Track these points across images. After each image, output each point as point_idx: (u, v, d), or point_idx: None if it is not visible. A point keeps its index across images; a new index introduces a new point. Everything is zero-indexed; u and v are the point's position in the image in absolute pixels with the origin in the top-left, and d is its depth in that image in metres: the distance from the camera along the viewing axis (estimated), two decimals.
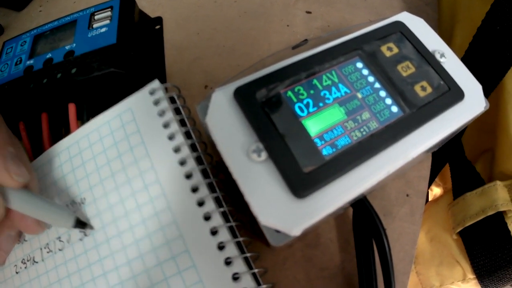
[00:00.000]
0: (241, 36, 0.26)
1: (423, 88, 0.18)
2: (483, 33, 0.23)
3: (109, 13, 0.26)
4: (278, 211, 0.14)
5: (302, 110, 0.16)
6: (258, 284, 0.16)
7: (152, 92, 0.21)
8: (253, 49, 0.25)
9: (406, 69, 0.18)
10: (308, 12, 0.27)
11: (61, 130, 0.26)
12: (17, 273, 0.22)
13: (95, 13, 0.27)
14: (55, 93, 0.24)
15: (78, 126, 0.24)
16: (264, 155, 0.14)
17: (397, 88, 0.17)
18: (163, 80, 0.24)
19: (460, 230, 0.22)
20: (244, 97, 0.15)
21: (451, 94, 0.18)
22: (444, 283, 0.23)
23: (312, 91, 0.16)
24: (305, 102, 0.16)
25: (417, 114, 0.17)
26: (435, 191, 0.30)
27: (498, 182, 0.22)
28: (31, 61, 0.27)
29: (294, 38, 0.25)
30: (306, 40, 0.24)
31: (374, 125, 0.16)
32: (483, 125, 0.24)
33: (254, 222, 0.17)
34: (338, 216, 0.21)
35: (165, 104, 0.20)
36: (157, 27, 0.28)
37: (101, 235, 0.19)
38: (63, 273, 0.20)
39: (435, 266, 0.24)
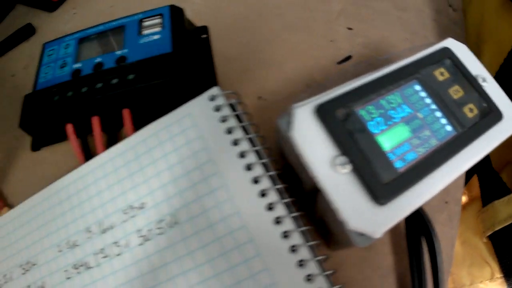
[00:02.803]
0: (288, 50, 0.29)
1: (471, 110, 0.21)
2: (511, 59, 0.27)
3: (159, 21, 0.29)
4: (363, 217, 0.17)
5: (375, 128, 0.19)
6: (331, 285, 0.18)
7: (212, 99, 0.23)
8: (301, 62, 0.28)
9: (456, 92, 0.21)
10: (350, 29, 0.30)
11: (112, 134, 0.28)
12: (68, 278, 0.24)
13: (144, 20, 0.29)
14: (108, 98, 0.26)
15: (134, 132, 0.26)
16: (348, 167, 0.17)
17: (450, 110, 0.21)
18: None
19: (489, 234, 0.26)
20: (325, 114, 0.18)
21: (493, 116, 0.21)
22: (474, 282, 0.27)
23: (381, 110, 0.19)
24: (376, 120, 0.19)
25: (467, 133, 0.20)
26: (462, 199, 0.34)
27: None
28: (79, 65, 0.29)
29: (338, 54, 0.29)
30: (350, 56, 0.27)
31: (434, 142, 0.19)
32: (507, 139, 0.28)
33: (317, 224, 0.20)
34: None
35: (226, 110, 0.22)
36: (204, 36, 0.31)
37: (164, 241, 0.21)
38: (121, 279, 0.22)
39: (466, 267, 0.27)
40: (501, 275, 0.26)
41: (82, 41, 0.30)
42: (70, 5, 0.38)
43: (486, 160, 0.29)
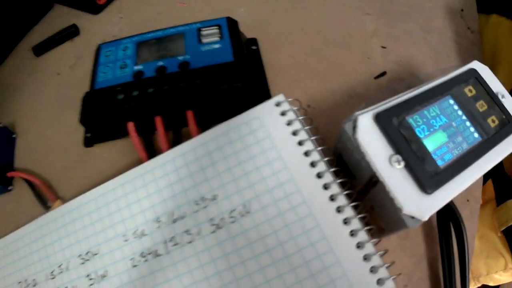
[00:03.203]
0: (331, 63, 0.35)
1: (493, 121, 0.28)
2: None
3: (217, 31, 0.34)
4: (414, 203, 0.23)
5: (421, 133, 0.25)
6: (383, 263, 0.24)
7: (277, 104, 0.29)
8: (342, 76, 0.34)
9: (481, 106, 0.28)
10: (383, 47, 0.37)
11: (175, 133, 0.33)
12: (134, 266, 0.27)
13: (202, 29, 0.35)
14: (175, 100, 0.31)
15: (198, 131, 0.31)
16: (402, 164, 0.24)
17: (477, 120, 0.27)
18: (268, 97, 0.32)
19: (503, 229, 0.33)
20: (383, 121, 0.24)
21: (510, 126, 0.28)
22: (490, 272, 0.34)
23: (425, 119, 0.26)
24: (421, 127, 0.25)
25: (490, 140, 0.27)
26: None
27: None
28: (140, 67, 0.33)
29: (375, 69, 0.35)
30: (385, 72, 0.34)
31: (465, 146, 0.26)
32: None
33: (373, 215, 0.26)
34: None
35: (292, 115, 0.28)
36: (254, 47, 0.37)
37: (236, 228, 0.25)
38: (193, 264, 0.25)
39: (483, 258, 0.34)
40: None
41: (141, 44, 0.35)
42: (116, 9, 0.43)
43: (500, 165, 0.36)
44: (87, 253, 0.29)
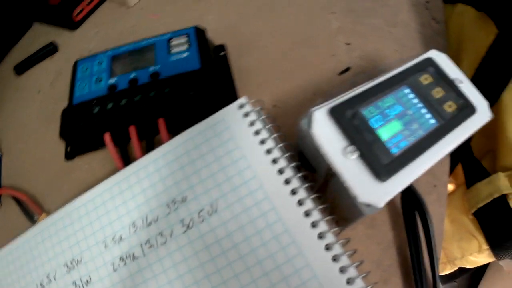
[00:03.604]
0: (297, 63, 0.36)
1: (450, 106, 0.29)
2: (485, 63, 0.35)
3: (185, 40, 0.36)
4: (369, 191, 0.24)
5: (375, 123, 0.26)
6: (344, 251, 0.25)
7: (241, 106, 0.30)
8: (308, 74, 0.36)
9: (438, 93, 0.29)
10: (348, 44, 0.38)
11: (148, 141, 0.35)
12: (115, 270, 0.29)
13: (172, 39, 0.36)
14: (147, 109, 0.32)
15: (169, 137, 0.32)
16: (356, 154, 0.25)
17: (433, 107, 0.28)
18: (235, 98, 0.33)
19: (474, 211, 0.33)
20: (337, 115, 0.26)
21: (468, 109, 0.29)
22: (464, 255, 0.35)
23: (379, 110, 0.27)
24: (376, 117, 0.26)
25: (447, 124, 0.28)
26: (449, 187, 0.42)
27: (500, 173, 0.33)
28: (114, 80, 0.35)
29: (339, 66, 0.36)
30: (349, 67, 0.35)
31: (420, 132, 0.27)
32: (486, 131, 0.36)
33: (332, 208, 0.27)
34: (388, 202, 0.31)
35: (254, 115, 0.29)
36: (222, 53, 0.38)
37: (205, 227, 0.27)
38: (167, 264, 0.27)
39: (456, 241, 0.35)
40: (487, 247, 0.34)
41: (115, 58, 0.36)
42: (92, 24, 0.45)
43: (468, 150, 0.37)
44: (71, 261, 0.31)
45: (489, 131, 0.35)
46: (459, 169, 0.38)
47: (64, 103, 0.36)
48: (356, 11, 0.40)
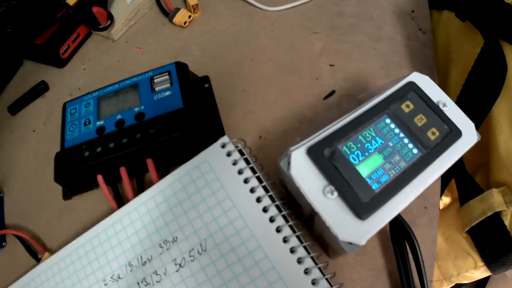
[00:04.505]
0: (280, 90, 0.37)
1: (433, 133, 0.29)
2: (474, 76, 0.34)
3: (167, 77, 0.36)
4: (350, 230, 0.24)
5: (354, 160, 0.26)
6: (330, 285, 0.26)
7: (223, 146, 0.31)
8: (292, 101, 0.36)
9: (420, 120, 0.29)
10: (331, 65, 0.38)
11: (138, 180, 0.36)
12: None
13: (154, 77, 0.37)
14: (134, 151, 0.33)
15: (158, 177, 0.33)
16: (335, 194, 0.25)
17: (415, 136, 0.28)
18: (222, 134, 0.34)
19: (468, 229, 0.33)
20: (315, 154, 0.26)
21: (453, 134, 0.29)
22: (460, 272, 0.35)
23: (359, 145, 0.27)
24: (355, 153, 0.27)
25: (431, 153, 0.28)
26: (445, 200, 0.42)
27: (494, 189, 0.33)
28: (101, 122, 0.36)
29: (323, 90, 0.36)
30: (333, 91, 0.35)
31: (403, 164, 0.27)
32: (478, 146, 0.35)
33: (318, 240, 0.28)
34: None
35: (237, 154, 0.30)
36: (206, 85, 0.38)
37: (195, 265, 0.28)
38: None
39: (452, 259, 0.35)
40: (483, 264, 0.34)
41: (101, 99, 0.37)
42: (79, 61, 0.46)
43: (461, 166, 0.37)
44: None
45: (482, 145, 0.35)
46: (454, 183, 0.38)
47: (57, 143, 0.37)
48: (339, 28, 0.40)
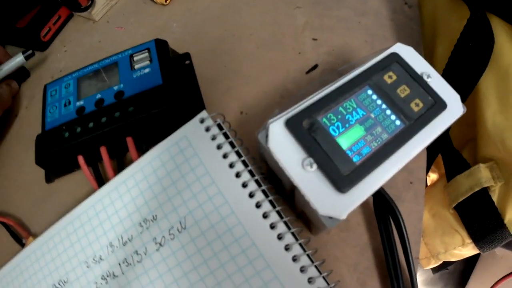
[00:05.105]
0: (263, 66, 0.35)
1: (417, 104, 0.27)
2: (459, 48, 0.33)
3: (147, 55, 0.35)
4: (330, 203, 0.23)
5: (335, 131, 0.25)
6: (312, 261, 0.25)
7: (202, 121, 0.30)
8: (274, 76, 0.34)
9: (403, 91, 0.28)
10: (314, 39, 0.36)
11: (118, 160, 0.35)
12: None
13: (134, 55, 0.35)
14: (113, 130, 0.32)
15: (138, 156, 0.32)
16: (314, 166, 0.24)
17: (398, 107, 0.27)
18: (202, 110, 0.33)
19: (455, 205, 0.32)
20: (293, 126, 0.25)
21: (437, 106, 0.27)
22: (448, 249, 0.34)
23: (339, 116, 0.26)
24: (336, 125, 0.25)
25: (414, 125, 0.26)
26: (432, 176, 0.41)
27: (481, 165, 0.32)
28: (81, 102, 0.35)
29: (307, 64, 0.35)
30: (316, 65, 0.33)
31: (385, 136, 0.26)
32: (465, 120, 0.34)
33: (300, 216, 0.27)
34: (361, 204, 0.30)
35: (215, 129, 0.29)
36: (187, 62, 0.37)
37: (175, 244, 0.27)
38: (144, 281, 0.28)
39: (439, 236, 0.34)
40: (471, 241, 0.33)
41: (80, 80, 0.36)
42: (60, 43, 0.44)
43: (447, 140, 0.35)
44: (59, 282, 0.32)
45: (469, 120, 0.34)
46: (441, 157, 0.36)
47: (38, 127, 0.36)
48: (323, 3, 0.39)
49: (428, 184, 0.40)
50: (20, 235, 0.38)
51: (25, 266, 0.34)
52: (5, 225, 0.38)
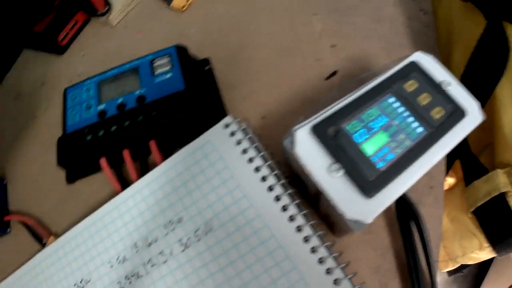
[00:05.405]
0: (281, 71, 0.36)
1: (437, 112, 0.28)
2: (476, 56, 0.34)
3: (167, 60, 0.36)
4: (356, 208, 0.24)
5: (359, 138, 0.26)
6: (337, 264, 0.26)
7: (226, 126, 0.30)
8: (294, 82, 0.35)
9: (424, 99, 0.28)
10: (332, 46, 0.37)
11: (141, 162, 0.35)
12: None
13: (154, 61, 0.36)
14: (136, 134, 0.33)
15: (162, 159, 0.33)
16: (341, 172, 0.25)
17: (420, 114, 0.28)
18: (224, 115, 0.34)
19: (473, 210, 0.33)
20: (319, 133, 0.26)
21: (457, 113, 0.28)
22: (466, 253, 0.35)
23: (363, 123, 0.27)
24: (360, 131, 0.26)
25: (435, 132, 0.27)
26: (450, 180, 0.42)
27: (499, 170, 0.32)
28: (103, 106, 0.36)
29: (325, 70, 0.36)
30: (335, 71, 0.34)
31: (408, 143, 0.27)
32: (482, 126, 0.35)
33: (323, 219, 0.28)
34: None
35: (240, 134, 0.30)
36: (207, 67, 0.38)
37: (201, 245, 0.28)
38: (170, 281, 0.29)
39: (457, 240, 0.35)
40: (488, 245, 0.33)
41: (101, 84, 0.37)
42: (78, 48, 0.45)
43: (465, 146, 0.36)
44: (81, 281, 0.33)
45: (486, 125, 0.34)
46: (459, 162, 0.37)
47: (58, 129, 0.37)
48: (339, 10, 0.40)
49: (446, 188, 0.41)
50: (41, 235, 0.38)
51: (46, 265, 0.35)
52: (26, 225, 0.39)
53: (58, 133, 0.36)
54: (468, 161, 0.35)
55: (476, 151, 0.36)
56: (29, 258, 0.34)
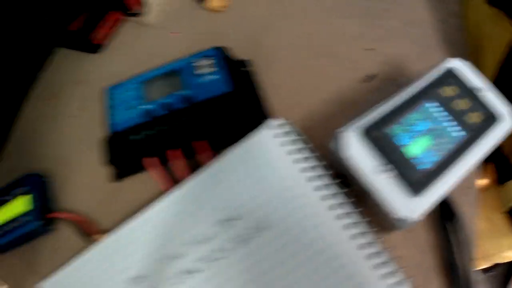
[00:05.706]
0: (318, 74, 0.38)
1: (474, 116, 0.30)
2: (507, 63, 0.35)
3: (210, 61, 0.37)
4: (403, 206, 0.26)
5: (404, 140, 0.28)
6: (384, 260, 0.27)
7: (272, 127, 0.32)
8: (331, 84, 0.37)
9: (461, 104, 0.30)
10: (367, 49, 0.39)
11: (189, 162, 0.37)
12: (181, 283, 0.31)
13: (197, 61, 0.38)
14: (184, 133, 0.35)
15: (209, 159, 0.34)
16: (388, 173, 0.26)
17: (459, 119, 0.29)
18: (267, 117, 0.35)
19: (506, 210, 0.35)
20: (367, 135, 0.27)
21: (493, 118, 0.30)
22: (499, 252, 0.36)
23: (407, 127, 0.28)
24: (405, 134, 0.28)
25: (474, 135, 0.29)
26: (484, 182, 0.44)
27: None
28: (149, 106, 0.37)
29: (361, 73, 0.37)
30: (372, 75, 0.36)
31: (449, 145, 0.28)
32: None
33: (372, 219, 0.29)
34: None
35: (287, 136, 0.31)
36: (247, 68, 0.39)
37: (254, 243, 0.30)
38: (230, 274, 0.29)
39: (491, 239, 0.36)
40: None
41: (144, 84, 0.38)
42: (113, 46, 0.46)
43: (498, 148, 0.38)
44: (137, 277, 0.33)
45: None
46: (492, 164, 0.39)
47: (97, 128, 0.38)
48: (372, 14, 0.41)
49: (480, 189, 0.43)
50: (88, 232, 0.39)
51: (98, 261, 0.35)
52: (71, 223, 0.40)
53: (98, 131, 0.37)
54: (501, 163, 0.37)
55: (508, 153, 0.37)
56: (75, 256, 0.35)
